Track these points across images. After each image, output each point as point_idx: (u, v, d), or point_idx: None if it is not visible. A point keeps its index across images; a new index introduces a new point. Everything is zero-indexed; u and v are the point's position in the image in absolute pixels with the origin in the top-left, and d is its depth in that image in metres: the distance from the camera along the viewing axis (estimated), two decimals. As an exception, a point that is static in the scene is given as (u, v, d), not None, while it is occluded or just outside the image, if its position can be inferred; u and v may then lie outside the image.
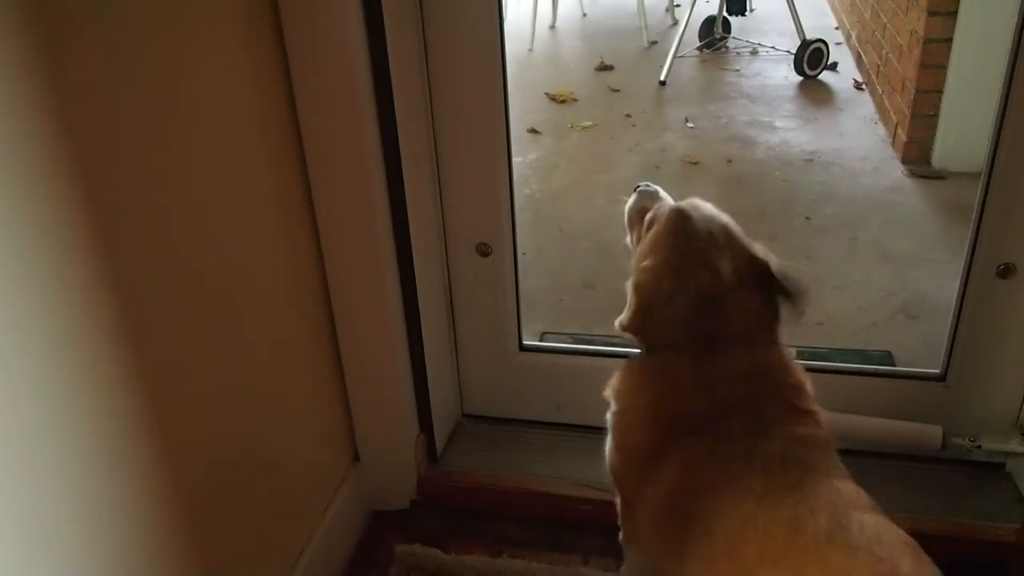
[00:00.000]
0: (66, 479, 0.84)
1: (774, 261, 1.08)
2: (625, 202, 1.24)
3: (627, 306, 1.10)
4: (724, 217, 1.11)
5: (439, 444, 1.65)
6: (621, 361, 1.16)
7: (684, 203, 1.12)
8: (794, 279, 1.05)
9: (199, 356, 1.06)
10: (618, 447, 1.13)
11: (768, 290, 1.06)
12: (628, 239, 1.23)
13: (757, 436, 0.98)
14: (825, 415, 1.04)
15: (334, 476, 1.49)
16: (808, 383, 1.07)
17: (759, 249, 1.09)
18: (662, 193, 1.22)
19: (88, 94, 0.84)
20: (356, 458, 1.56)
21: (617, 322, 1.13)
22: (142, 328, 0.93)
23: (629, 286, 1.11)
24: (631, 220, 1.22)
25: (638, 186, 1.24)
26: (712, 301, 1.03)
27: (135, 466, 0.95)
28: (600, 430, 1.64)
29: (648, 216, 1.15)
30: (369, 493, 1.58)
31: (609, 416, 1.15)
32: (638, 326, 1.09)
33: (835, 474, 0.96)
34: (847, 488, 0.93)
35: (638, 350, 1.14)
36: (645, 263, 1.08)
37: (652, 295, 1.06)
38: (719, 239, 1.07)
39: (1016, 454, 1.50)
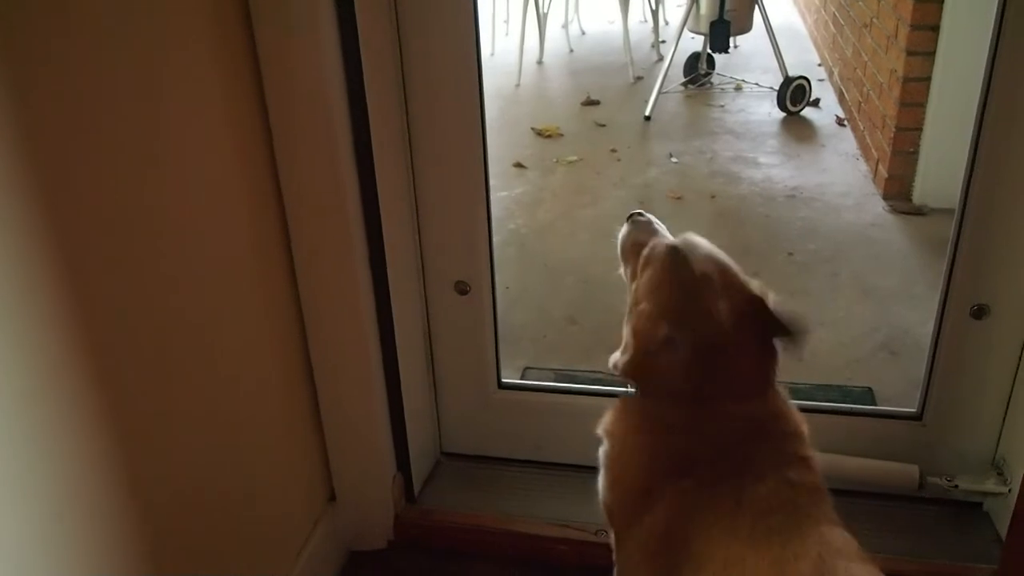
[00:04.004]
0: (31, 515, 0.84)
1: (772, 298, 1.05)
2: (617, 232, 1.20)
3: (623, 347, 1.08)
4: (721, 255, 1.08)
5: (417, 483, 1.64)
6: (613, 400, 1.13)
7: (680, 240, 1.09)
8: (794, 318, 1.03)
9: (171, 394, 1.06)
10: (611, 485, 1.11)
11: (766, 331, 1.04)
12: (622, 271, 1.19)
13: (748, 480, 0.97)
14: (818, 460, 1.03)
15: (310, 515, 1.48)
16: (805, 428, 1.05)
17: (756, 286, 1.07)
18: (656, 223, 1.17)
19: (59, 141, 0.85)
20: (332, 497, 1.55)
21: (612, 362, 1.10)
22: (114, 366, 0.93)
23: (626, 327, 1.09)
24: (625, 253, 1.17)
25: (631, 214, 1.20)
26: (710, 349, 1.01)
27: (102, 506, 0.94)
28: (580, 468, 1.65)
29: (644, 253, 1.11)
30: (345, 533, 1.57)
31: (601, 454, 1.13)
32: (634, 371, 1.07)
33: (824, 521, 0.95)
34: (835, 535, 0.92)
35: (624, 388, 1.13)
36: (642, 307, 1.05)
37: (650, 342, 1.03)
38: (716, 280, 1.04)
39: (993, 494, 1.50)
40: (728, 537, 0.93)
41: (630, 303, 1.12)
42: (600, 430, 1.13)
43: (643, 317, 1.04)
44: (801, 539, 0.90)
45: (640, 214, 1.19)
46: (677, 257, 1.06)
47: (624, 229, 1.19)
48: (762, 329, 1.05)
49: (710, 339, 1.01)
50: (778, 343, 1.05)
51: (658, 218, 1.20)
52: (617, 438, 1.11)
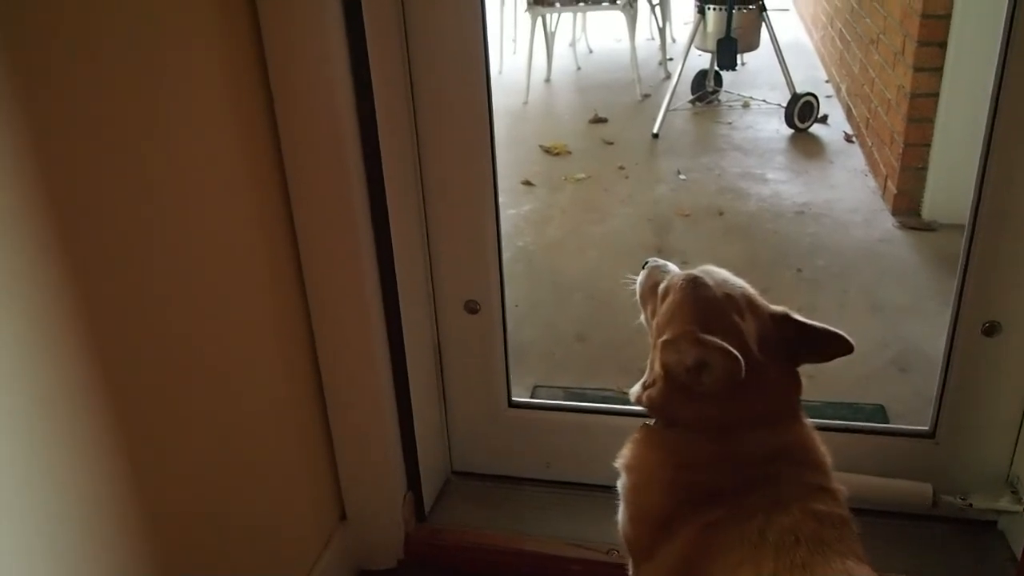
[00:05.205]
0: (42, 537, 0.84)
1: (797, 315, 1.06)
2: (634, 282, 1.20)
3: (649, 380, 1.07)
4: (740, 281, 1.08)
5: (427, 502, 1.64)
6: (633, 432, 1.12)
7: (697, 270, 1.09)
8: (831, 332, 1.04)
9: (179, 411, 1.06)
10: (632, 518, 1.09)
11: (791, 354, 1.04)
12: (642, 317, 1.19)
13: (773, 512, 0.96)
14: (843, 492, 1.02)
15: (321, 535, 1.48)
16: (829, 459, 1.04)
17: (777, 309, 1.07)
18: (670, 265, 1.18)
19: (70, 153, 0.85)
20: (343, 516, 1.55)
21: (633, 396, 1.09)
22: (124, 387, 0.94)
23: (650, 363, 1.08)
24: (644, 296, 1.17)
25: (647, 262, 1.21)
26: (740, 372, 0.98)
27: (110, 522, 0.94)
28: (591, 487, 1.65)
29: (662, 286, 1.11)
30: (356, 552, 1.56)
31: (622, 488, 1.11)
32: (663, 403, 1.05)
33: (849, 555, 0.93)
34: (862, 571, 0.91)
35: (636, 407, 1.11)
36: (665, 337, 1.02)
37: (678, 371, 1.01)
38: (739, 302, 1.03)
39: (1007, 512, 1.49)
40: (752, 572, 0.91)
41: (652, 339, 1.10)
42: (619, 464, 1.12)
43: (669, 347, 1.01)
44: (824, 573, 0.89)
45: (655, 260, 1.20)
46: (696, 282, 1.06)
47: (640, 275, 1.20)
48: (787, 352, 1.04)
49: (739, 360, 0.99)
50: (810, 355, 1.05)
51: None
52: (638, 472, 1.09)
